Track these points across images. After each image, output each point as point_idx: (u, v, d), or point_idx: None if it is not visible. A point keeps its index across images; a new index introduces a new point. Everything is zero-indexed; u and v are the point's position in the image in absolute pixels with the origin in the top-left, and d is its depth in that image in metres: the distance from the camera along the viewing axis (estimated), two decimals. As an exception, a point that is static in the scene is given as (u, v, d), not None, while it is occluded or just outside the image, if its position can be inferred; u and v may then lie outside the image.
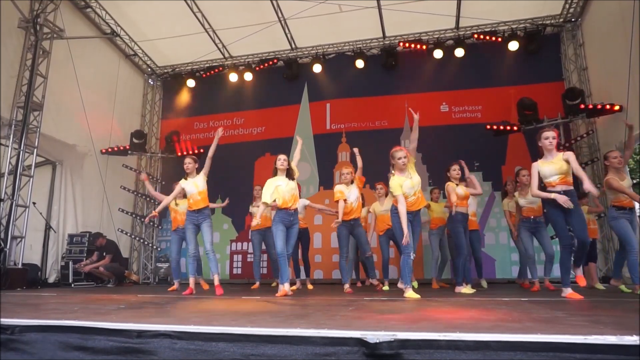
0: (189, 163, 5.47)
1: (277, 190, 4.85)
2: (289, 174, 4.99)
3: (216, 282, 5.24)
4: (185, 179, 5.44)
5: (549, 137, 4.20)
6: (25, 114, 6.98)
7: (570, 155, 4.11)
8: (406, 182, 4.49)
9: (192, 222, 5.34)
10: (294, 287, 6.04)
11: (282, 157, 5.06)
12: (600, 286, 5.91)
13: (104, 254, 7.66)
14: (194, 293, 5.26)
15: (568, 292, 4.03)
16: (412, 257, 4.37)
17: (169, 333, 1.78)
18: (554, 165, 4.15)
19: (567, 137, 8.17)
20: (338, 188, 5.56)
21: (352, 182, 5.59)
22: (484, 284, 6.36)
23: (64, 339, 1.86)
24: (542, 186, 4.27)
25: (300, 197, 6.25)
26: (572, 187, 4.16)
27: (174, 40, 9.54)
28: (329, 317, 2.41)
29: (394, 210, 4.51)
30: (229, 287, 6.78)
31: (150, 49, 10.01)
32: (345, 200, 5.42)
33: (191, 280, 5.40)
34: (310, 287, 6.53)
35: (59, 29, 7.61)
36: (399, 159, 4.47)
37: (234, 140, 10.06)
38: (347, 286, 5.40)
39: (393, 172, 4.59)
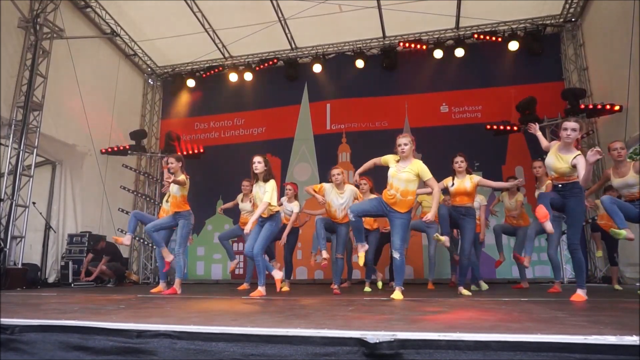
0: (170, 163, 5.34)
1: (254, 196, 4.89)
2: (264, 178, 4.80)
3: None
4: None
5: (567, 129, 3.77)
6: (25, 114, 6.99)
7: (580, 162, 3.69)
8: (392, 168, 4.34)
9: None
10: (286, 288, 5.96)
11: (255, 159, 4.86)
12: (617, 287, 5.77)
13: (102, 255, 7.66)
14: (177, 293, 5.18)
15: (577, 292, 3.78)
16: (395, 257, 4.22)
17: (169, 333, 1.78)
18: (556, 161, 3.86)
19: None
20: (324, 185, 5.42)
21: (344, 185, 5.39)
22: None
23: (64, 338, 1.86)
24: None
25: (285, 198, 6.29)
26: (573, 181, 3.83)
27: (174, 40, 9.54)
28: (329, 317, 2.41)
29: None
30: (230, 288, 6.78)
31: (150, 48, 10.01)
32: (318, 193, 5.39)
33: (177, 282, 5.35)
34: (285, 288, 5.87)
35: (59, 28, 7.61)
36: (399, 145, 4.31)
37: (235, 140, 10.06)
38: (335, 286, 5.27)
39: (398, 159, 4.40)
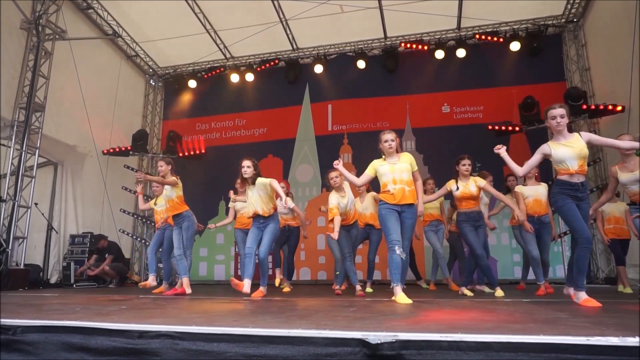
0: (160, 166, 5.36)
1: (249, 201, 4.78)
2: (252, 181, 4.72)
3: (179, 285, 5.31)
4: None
5: (556, 117, 3.48)
6: (27, 115, 7.00)
7: (591, 135, 3.50)
8: (383, 166, 4.14)
9: (175, 224, 5.42)
10: (287, 289, 5.96)
11: (244, 163, 4.72)
12: (628, 290, 5.33)
13: (106, 255, 7.67)
14: (186, 293, 5.19)
15: (583, 297, 3.35)
16: (398, 253, 3.95)
17: (170, 334, 1.78)
18: (571, 148, 3.45)
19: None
20: (332, 203, 5.07)
21: (342, 186, 5.29)
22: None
23: (66, 339, 1.87)
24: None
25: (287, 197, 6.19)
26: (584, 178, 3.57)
27: (176, 41, 9.56)
28: (331, 317, 2.40)
29: (382, 204, 4.13)
30: (232, 288, 6.76)
31: (152, 49, 10.02)
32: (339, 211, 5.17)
33: (184, 281, 5.33)
34: (287, 289, 5.96)
35: (61, 30, 7.64)
36: (385, 141, 4.14)
37: (236, 141, 10.07)
38: (358, 287, 5.04)
39: (383, 157, 4.25)
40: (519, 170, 3.71)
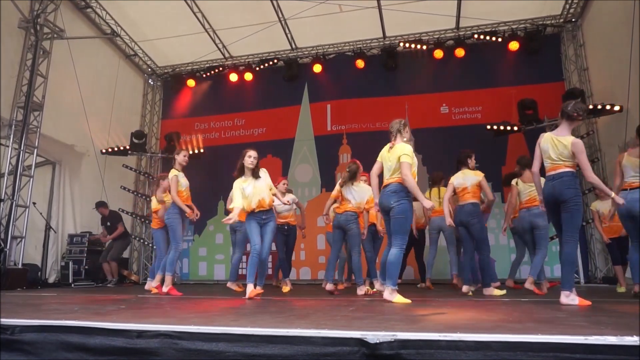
0: (185, 156, 5.49)
1: (243, 194, 4.56)
2: (255, 173, 4.61)
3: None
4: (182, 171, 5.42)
5: None
6: (25, 114, 6.99)
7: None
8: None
9: (182, 217, 5.30)
10: (287, 289, 5.92)
11: (252, 153, 4.63)
12: (622, 289, 5.24)
13: (108, 223, 7.72)
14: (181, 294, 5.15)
15: (577, 298, 3.33)
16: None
17: (169, 333, 1.78)
18: None
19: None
20: (370, 195, 5.12)
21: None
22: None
23: (65, 339, 1.87)
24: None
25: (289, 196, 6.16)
26: None
27: (174, 40, 9.54)
28: (330, 317, 2.41)
29: (392, 190, 3.90)
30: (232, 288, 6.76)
31: (151, 49, 10.01)
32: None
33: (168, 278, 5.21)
34: (286, 289, 5.91)
35: (59, 29, 7.62)
36: (406, 125, 4.10)
37: (235, 141, 10.03)
38: (362, 289, 5.00)
39: (393, 143, 4.06)
40: (595, 180, 3.69)
